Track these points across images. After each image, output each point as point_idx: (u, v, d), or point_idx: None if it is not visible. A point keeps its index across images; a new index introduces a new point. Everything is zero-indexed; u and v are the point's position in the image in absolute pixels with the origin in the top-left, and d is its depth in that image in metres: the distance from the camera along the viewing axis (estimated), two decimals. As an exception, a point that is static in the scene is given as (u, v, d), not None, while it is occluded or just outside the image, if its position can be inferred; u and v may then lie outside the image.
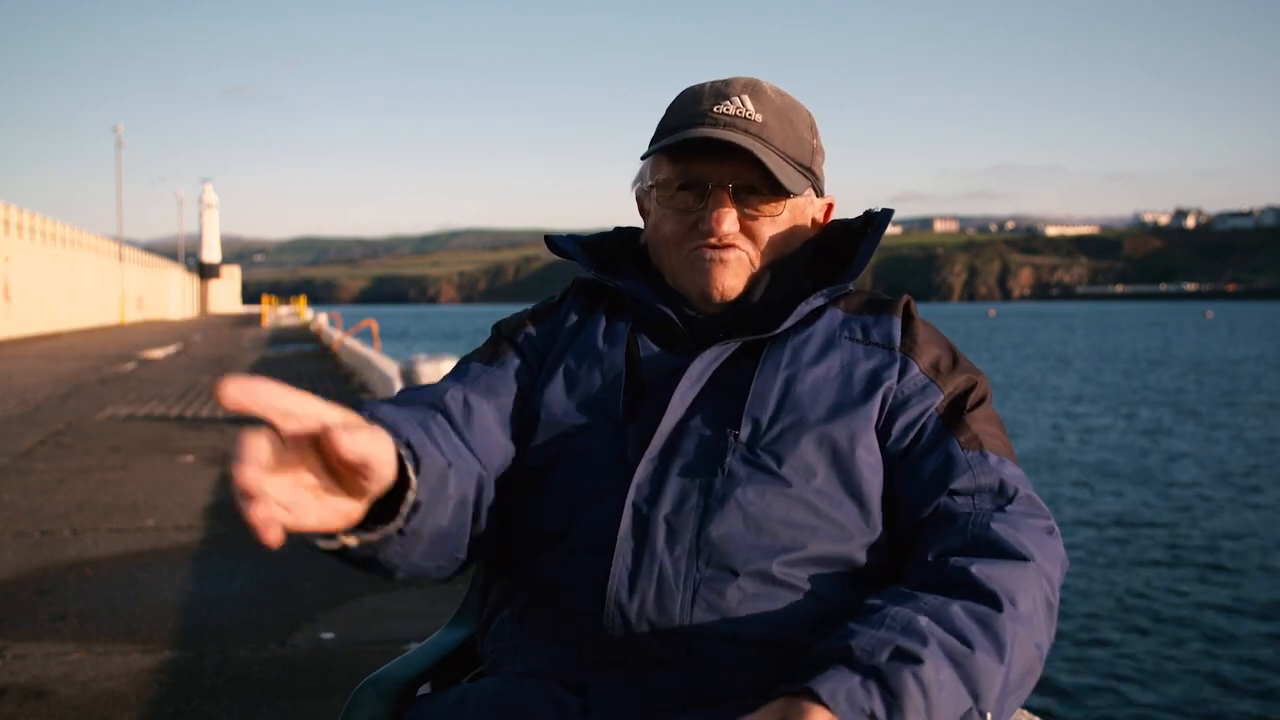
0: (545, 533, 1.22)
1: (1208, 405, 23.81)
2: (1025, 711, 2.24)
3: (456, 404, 1.24)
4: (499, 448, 1.25)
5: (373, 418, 1.01)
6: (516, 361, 1.33)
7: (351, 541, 0.97)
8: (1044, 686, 6.54)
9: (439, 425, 1.18)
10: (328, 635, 3.80)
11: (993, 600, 1.05)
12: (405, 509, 0.99)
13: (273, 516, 0.80)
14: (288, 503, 0.83)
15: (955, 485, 1.18)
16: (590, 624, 1.16)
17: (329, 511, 0.88)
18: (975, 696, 0.99)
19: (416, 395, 1.25)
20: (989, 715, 1.00)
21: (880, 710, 0.94)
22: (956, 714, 0.98)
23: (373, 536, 0.99)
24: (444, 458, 1.09)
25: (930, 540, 1.15)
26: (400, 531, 1.01)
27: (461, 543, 1.17)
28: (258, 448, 0.80)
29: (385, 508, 1.00)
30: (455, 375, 1.32)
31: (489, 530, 1.23)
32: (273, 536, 0.81)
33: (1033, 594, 1.09)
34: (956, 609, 1.03)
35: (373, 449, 0.86)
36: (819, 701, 0.93)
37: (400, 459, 0.98)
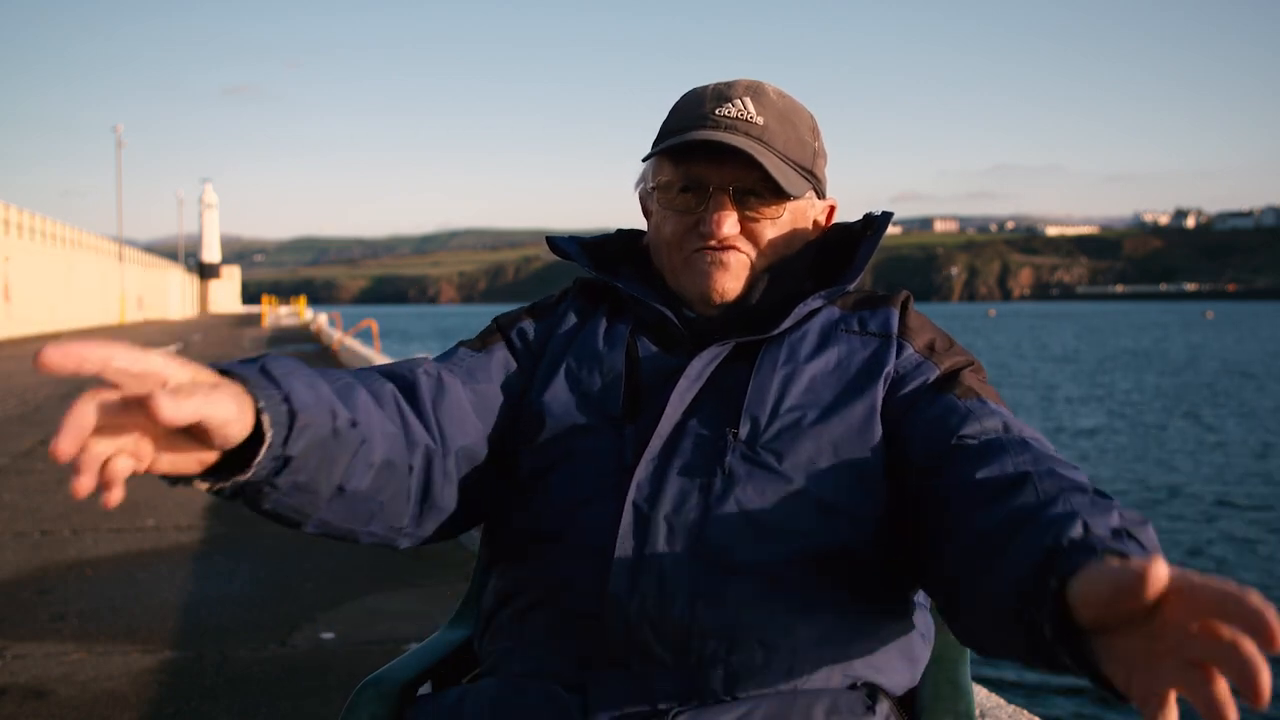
0: (544, 532, 1.22)
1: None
2: (1025, 712, 2.24)
3: (429, 379, 1.25)
4: (471, 429, 1.25)
5: (245, 373, 0.97)
6: (503, 352, 1.34)
7: (202, 486, 0.96)
8: (1044, 685, 6.54)
9: (386, 394, 1.18)
10: (328, 635, 3.80)
11: (1097, 492, 1.02)
12: (256, 461, 0.96)
13: (92, 486, 0.83)
14: (132, 451, 0.85)
15: (964, 431, 1.15)
16: (590, 624, 1.16)
17: (183, 457, 0.90)
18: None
19: (388, 366, 1.27)
20: None
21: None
22: None
23: (222, 484, 0.97)
24: (344, 419, 1.05)
25: (979, 465, 1.10)
26: (267, 483, 0.99)
27: (402, 510, 1.18)
28: (82, 415, 0.81)
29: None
30: (442, 356, 1.34)
31: (458, 509, 1.24)
32: (111, 498, 0.84)
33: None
34: (1089, 497, 0.99)
35: (206, 409, 0.86)
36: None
37: (258, 414, 0.95)
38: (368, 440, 1.10)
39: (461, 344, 1.36)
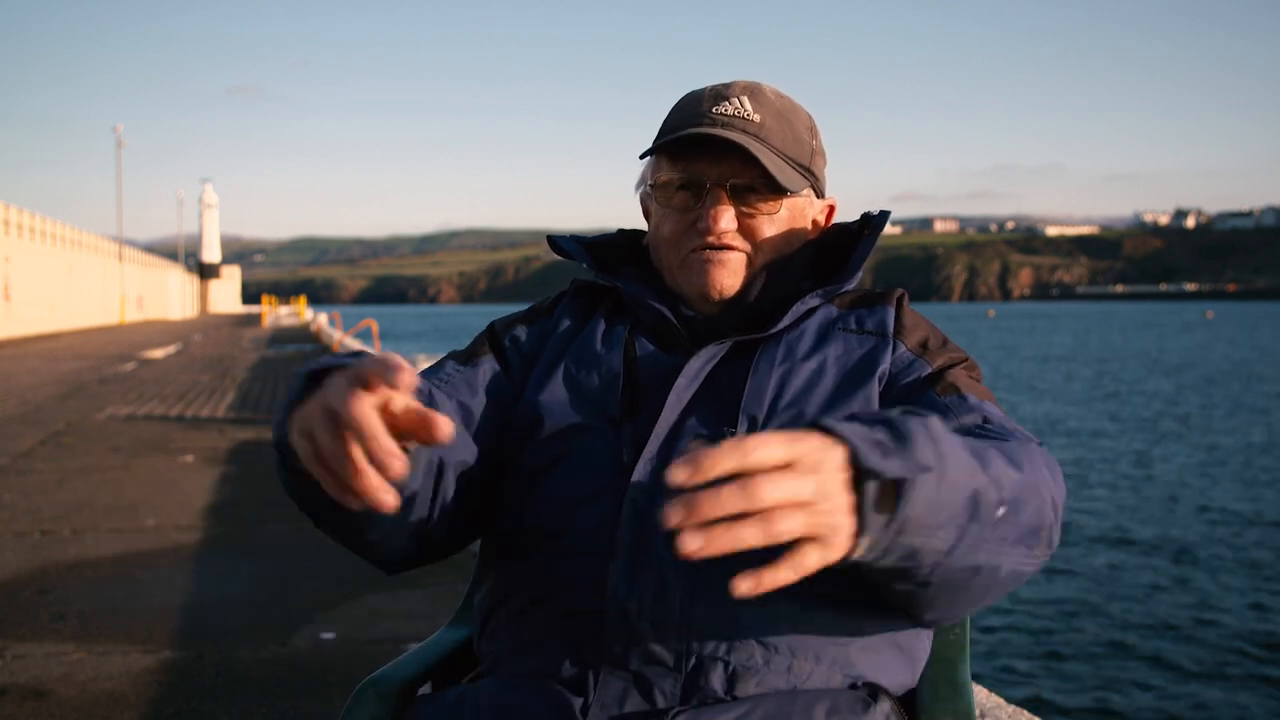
0: (543, 532, 1.23)
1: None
2: (1025, 711, 2.25)
3: (421, 396, 1.24)
4: (461, 446, 1.24)
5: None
6: (491, 362, 1.34)
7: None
8: (1043, 689, 6.54)
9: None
10: (328, 635, 3.80)
11: (999, 437, 1.07)
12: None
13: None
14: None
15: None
16: (589, 623, 1.16)
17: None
18: (985, 472, 0.95)
19: None
20: (1003, 509, 0.97)
21: (887, 439, 0.88)
22: (968, 482, 0.93)
23: None
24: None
25: None
26: None
27: (400, 530, 1.17)
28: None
29: None
30: (431, 369, 1.33)
31: (452, 525, 1.24)
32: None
33: (1035, 464, 1.04)
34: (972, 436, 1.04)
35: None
36: (829, 432, 0.87)
37: None
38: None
39: (450, 356, 1.36)
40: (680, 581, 1.14)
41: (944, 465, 0.90)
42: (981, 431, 1.13)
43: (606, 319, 1.35)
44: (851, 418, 0.91)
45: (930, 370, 1.25)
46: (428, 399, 1.24)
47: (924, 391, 1.22)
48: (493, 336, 1.37)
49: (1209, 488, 13.48)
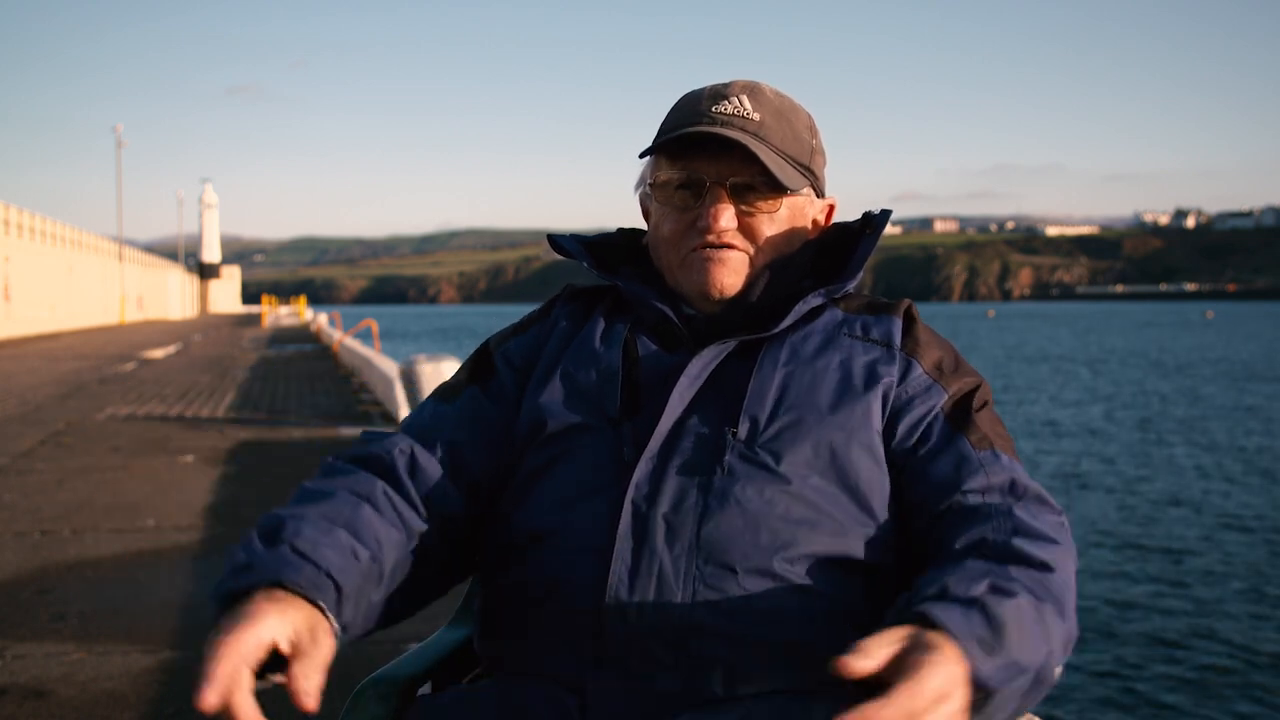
0: (543, 531, 1.22)
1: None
2: (1029, 715, 2.24)
3: (403, 458, 1.27)
4: (450, 491, 1.27)
5: (294, 579, 1.07)
6: (500, 381, 1.34)
7: (279, 679, 1.04)
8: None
9: (379, 496, 1.21)
10: (328, 635, 3.79)
11: (1043, 566, 1.09)
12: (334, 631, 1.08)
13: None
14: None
15: (969, 485, 1.18)
16: (589, 623, 1.16)
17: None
18: (1049, 641, 1.04)
19: (365, 452, 1.28)
20: (1059, 668, 1.06)
21: (987, 635, 0.97)
22: (1036, 656, 1.02)
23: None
24: (365, 557, 1.14)
25: (956, 532, 1.15)
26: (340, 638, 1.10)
27: (412, 596, 1.25)
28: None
29: None
30: (418, 419, 1.34)
31: (455, 562, 1.30)
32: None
33: (1066, 570, 1.12)
34: (1014, 570, 1.06)
35: (314, 663, 1.02)
36: (939, 627, 0.96)
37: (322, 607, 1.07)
38: (380, 563, 1.17)
39: (434, 397, 1.37)
40: (680, 581, 1.14)
41: (1025, 657, 1.00)
42: (1016, 527, 1.14)
43: (605, 318, 1.35)
44: (948, 598, 1.00)
45: (948, 397, 1.25)
46: (410, 461, 1.26)
47: (956, 436, 1.22)
48: (483, 358, 1.38)
49: (1208, 488, 13.47)
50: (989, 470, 1.19)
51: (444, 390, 1.38)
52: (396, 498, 1.23)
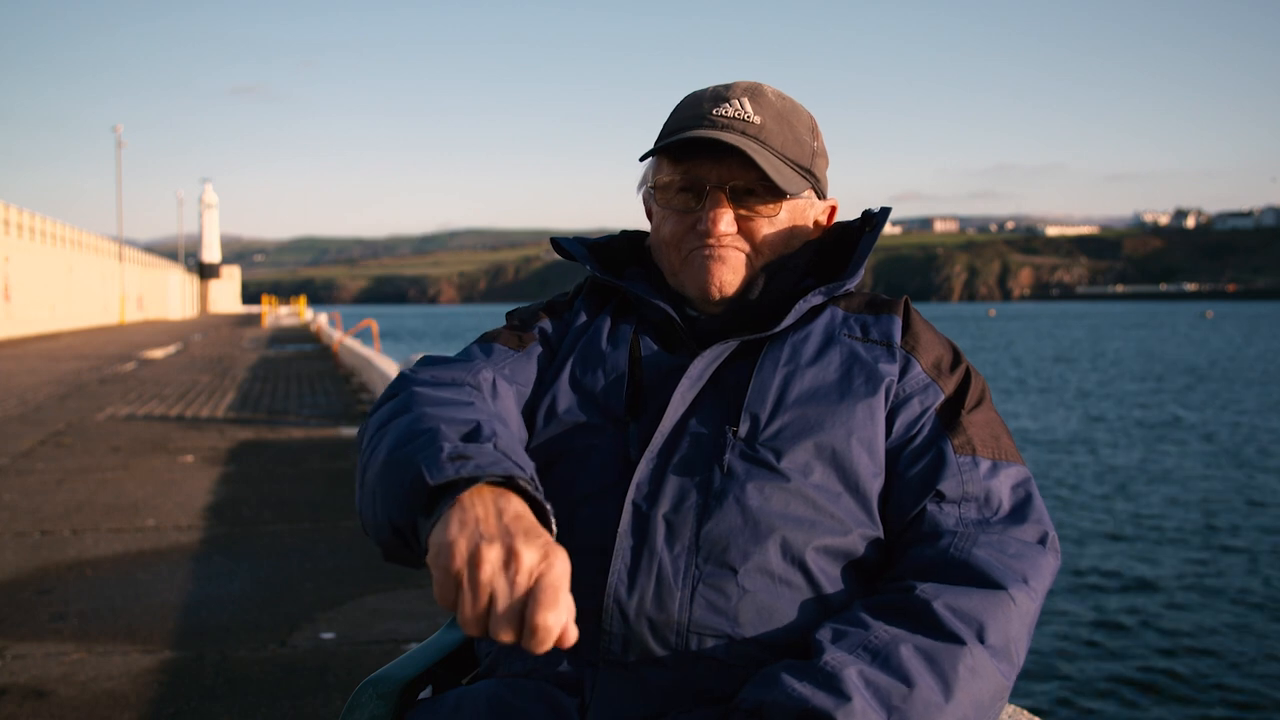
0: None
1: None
2: (1025, 712, 2.24)
3: (487, 384, 1.26)
4: (515, 429, 1.26)
5: (524, 484, 1.00)
6: (539, 349, 1.35)
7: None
8: (1046, 692, 6.54)
9: (483, 403, 1.20)
10: (328, 635, 3.79)
11: (951, 638, 1.07)
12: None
13: None
14: None
15: (942, 487, 1.19)
16: (589, 622, 1.16)
17: None
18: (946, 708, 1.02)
19: (457, 373, 1.26)
20: (1000, 705, 1.05)
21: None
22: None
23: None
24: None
25: (910, 553, 1.17)
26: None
27: None
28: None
29: None
30: (484, 352, 1.32)
31: None
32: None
33: (1005, 624, 1.10)
34: (906, 649, 1.06)
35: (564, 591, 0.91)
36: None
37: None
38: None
39: (495, 340, 1.35)
40: (679, 581, 1.14)
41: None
42: (956, 552, 1.15)
43: (613, 318, 1.35)
44: (758, 712, 1.02)
45: (944, 397, 1.25)
46: (492, 387, 1.26)
47: (940, 440, 1.22)
48: (529, 327, 1.37)
49: (1208, 488, 13.48)
50: (965, 478, 1.20)
51: (510, 338, 1.35)
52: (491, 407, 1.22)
